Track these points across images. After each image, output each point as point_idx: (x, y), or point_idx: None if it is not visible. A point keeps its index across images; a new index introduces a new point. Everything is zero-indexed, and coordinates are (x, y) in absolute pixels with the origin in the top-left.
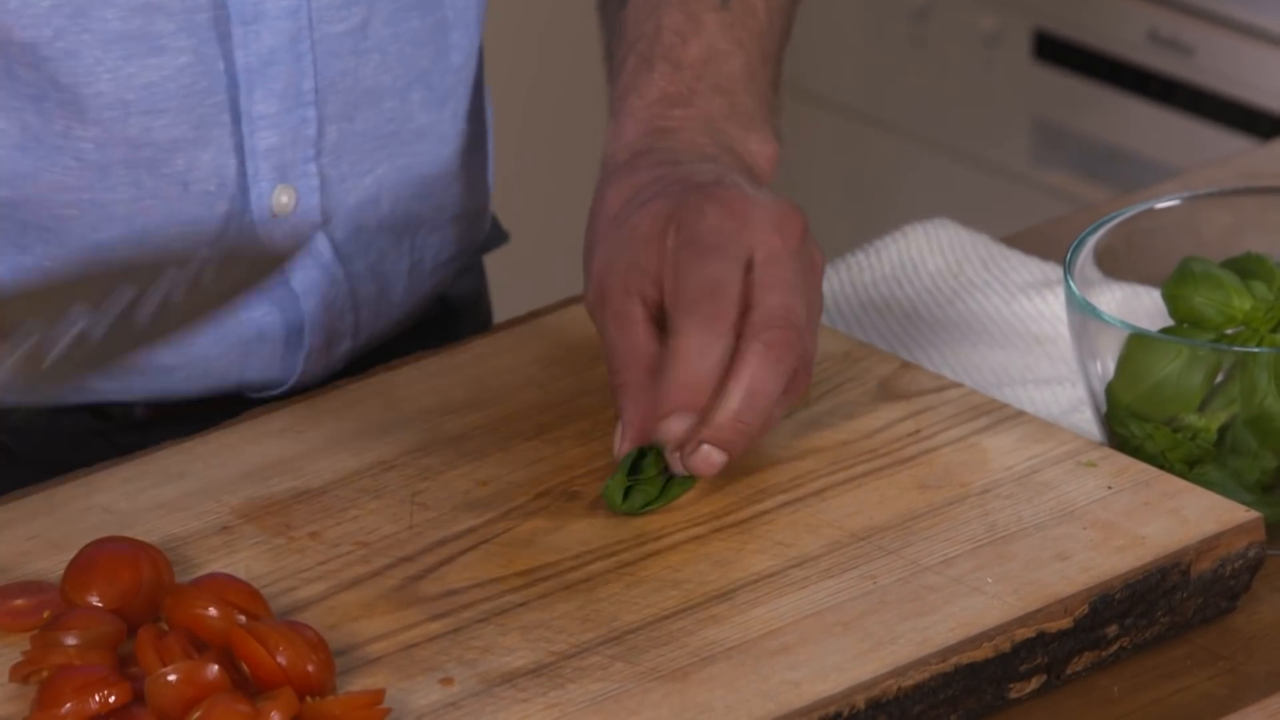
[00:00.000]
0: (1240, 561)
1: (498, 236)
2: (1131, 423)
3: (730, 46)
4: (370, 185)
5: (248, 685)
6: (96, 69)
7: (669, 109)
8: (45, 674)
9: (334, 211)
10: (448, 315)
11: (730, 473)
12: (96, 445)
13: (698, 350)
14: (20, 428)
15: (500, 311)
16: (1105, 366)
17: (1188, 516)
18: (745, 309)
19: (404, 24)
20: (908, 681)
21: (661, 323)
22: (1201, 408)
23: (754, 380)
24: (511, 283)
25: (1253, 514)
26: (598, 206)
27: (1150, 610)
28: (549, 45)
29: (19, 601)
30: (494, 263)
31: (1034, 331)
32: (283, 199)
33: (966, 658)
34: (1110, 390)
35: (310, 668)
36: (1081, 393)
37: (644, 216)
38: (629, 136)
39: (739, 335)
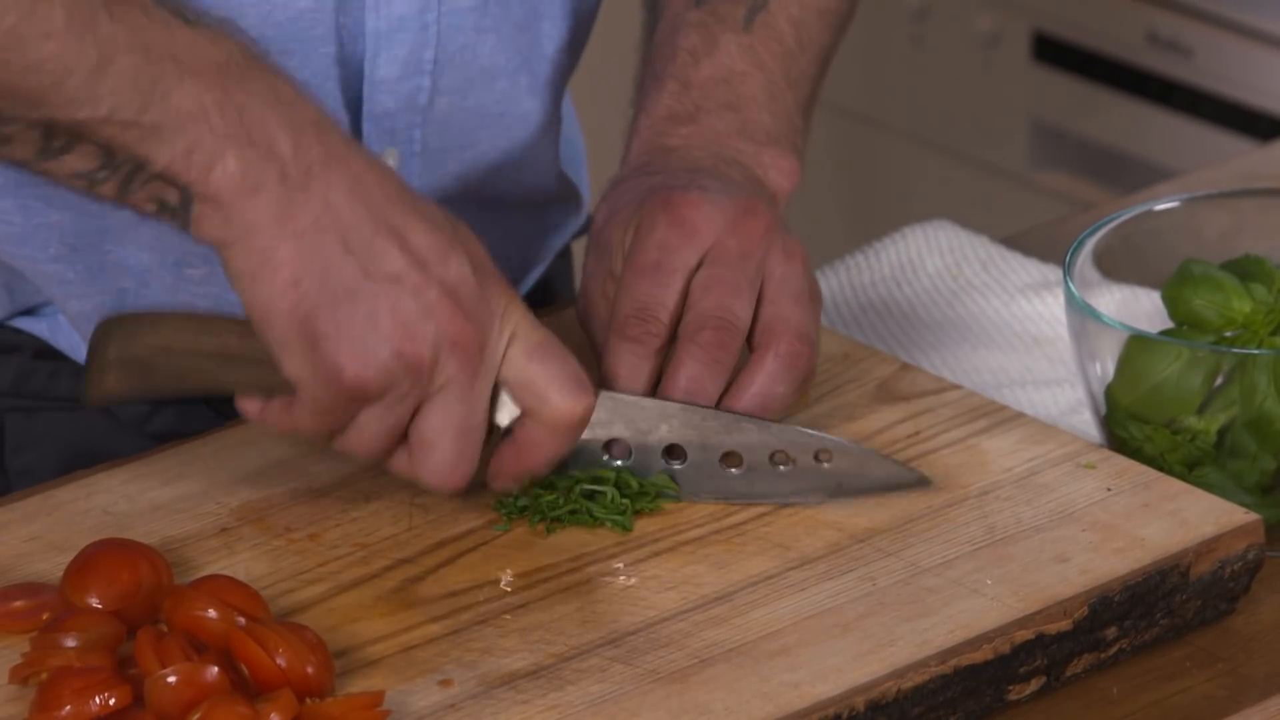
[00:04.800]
0: (1239, 563)
1: (586, 222)
2: (1131, 424)
3: (748, 67)
4: (470, 159)
5: (247, 687)
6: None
7: (674, 127)
8: (45, 675)
9: (429, 178)
10: (543, 295)
11: None
12: (201, 413)
13: (626, 371)
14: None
15: None
16: (1105, 368)
17: (1187, 518)
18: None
19: (509, 6)
20: (907, 683)
21: None
22: (1201, 410)
23: (689, 382)
24: None
25: (1252, 516)
26: (592, 221)
27: (1149, 612)
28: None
29: (18, 603)
30: (580, 249)
31: (1033, 333)
32: (389, 162)
33: (966, 659)
34: (1110, 392)
35: (310, 669)
36: (1081, 394)
37: (614, 227)
38: (633, 154)
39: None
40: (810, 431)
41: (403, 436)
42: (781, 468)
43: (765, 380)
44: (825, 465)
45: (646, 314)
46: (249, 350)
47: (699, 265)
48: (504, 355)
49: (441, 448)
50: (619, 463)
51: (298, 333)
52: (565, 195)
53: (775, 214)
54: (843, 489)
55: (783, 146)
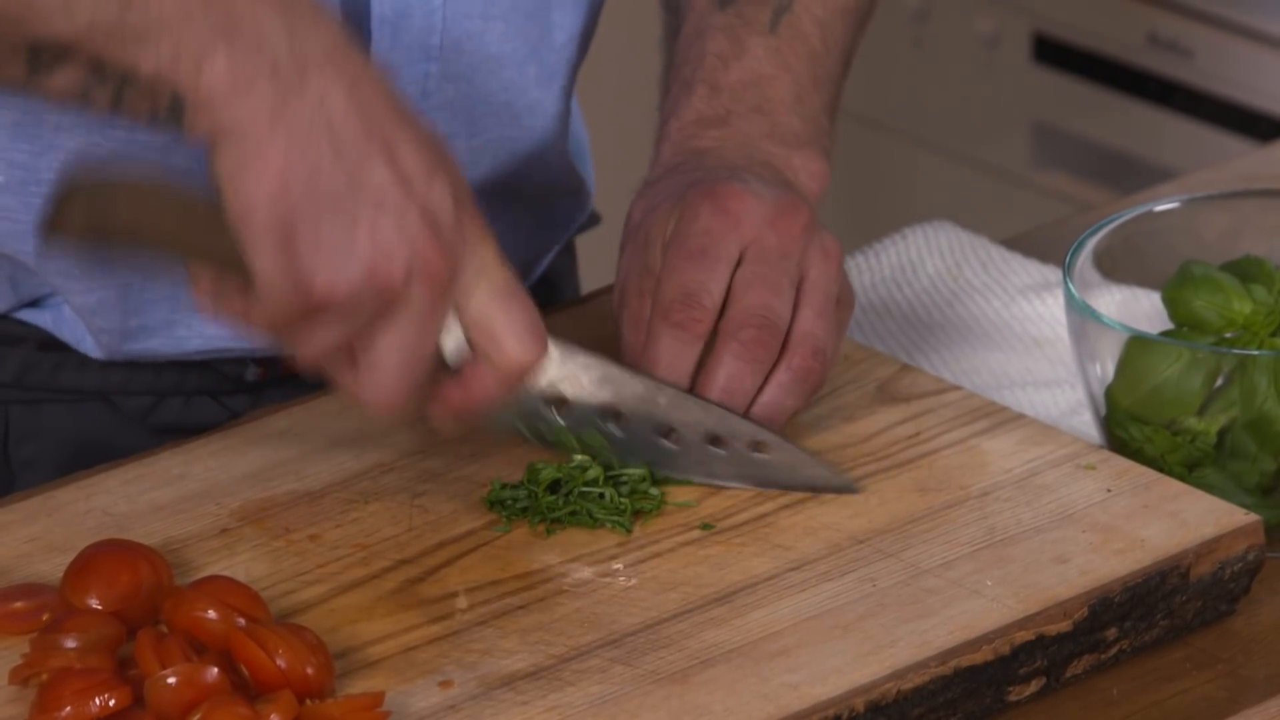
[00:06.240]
0: (1239, 564)
1: (591, 219)
2: (1131, 425)
3: (776, 70)
4: (476, 148)
5: (247, 688)
6: None
7: (704, 130)
8: (45, 676)
9: None
10: (546, 290)
11: None
12: (205, 407)
13: (669, 357)
14: (129, 387)
15: (587, 292)
16: (1105, 369)
17: (1187, 519)
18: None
19: None
20: (907, 684)
21: None
22: (1201, 411)
23: (729, 379)
24: (600, 264)
25: (1252, 517)
26: (626, 220)
27: (1149, 613)
28: (646, 34)
29: (18, 604)
30: (584, 245)
31: (1033, 334)
32: None
33: (966, 660)
34: (1110, 393)
35: (309, 670)
36: (1081, 395)
37: (653, 220)
38: (665, 156)
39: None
40: (752, 422)
41: (349, 351)
42: (715, 450)
43: (776, 391)
44: (758, 456)
45: (692, 300)
46: (218, 236)
47: (740, 258)
48: (467, 291)
49: (387, 369)
50: (558, 419)
51: (275, 235)
52: (573, 188)
53: (813, 213)
54: (769, 481)
55: (812, 149)
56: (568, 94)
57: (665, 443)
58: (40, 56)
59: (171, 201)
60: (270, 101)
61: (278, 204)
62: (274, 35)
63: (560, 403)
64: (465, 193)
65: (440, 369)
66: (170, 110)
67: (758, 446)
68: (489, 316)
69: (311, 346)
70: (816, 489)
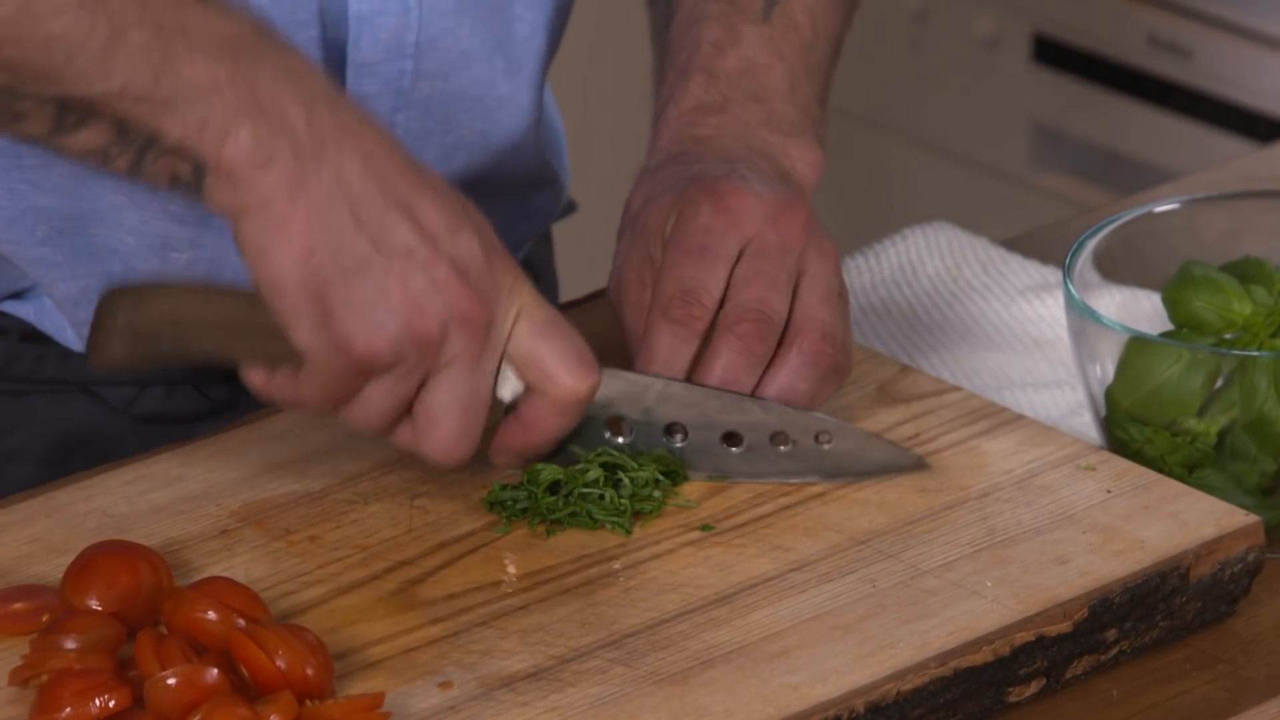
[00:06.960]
0: (1239, 565)
1: (566, 206)
2: (1131, 426)
3: (770, 59)
4: (451, 143)
5: (247, 689)
6: None
7: (704, 117)
8: (44, 677)
9: None
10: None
11: None
12: (187, 396)
13: (667, 352)
14: (112, 378)
15: (564, 280)
16: (1105, 370)
17: (1187, 520)
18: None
19: None
20: (907, 685)
21: None
22: (1201, 412)
23: (725, 371)
24: (577, 251)
25: (1252, 518)
26: (625, 208)
27: (1149, 614)
28: (619, 22)
29: (18, 605)
30: (561, 232)
31: (1033, 335)
32: None
33: (966, 661)
34: (1110, 394)
35: (309, 671)
36: (1081, 396)
37: (652, 211)
38: (663, 143)
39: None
40: (811, 413)
41: (407, 410)
42: (781, 448)
43: (787, 376)
44: (825, 447)
45: (691, 297)
46: (256, 320)
47: (739, 255)
48: (510, 332)
49: (446, 422)
50: (620, 440)
51: (309, 305)
52: (547, 179)
53: (812, 211)
54: (841, 470)
55: (807, 138)
56: (538, 86)
57: (731, 449)
58: (67, 113)
59: (210, 296)
60: (289, 176)
61: (306, 275)
62: (293, 114)
63: (620, 425)
64: (493, 239)
65: (499, 412)
66: (192, 178)
67: (822, 437)
68: (536, 353)
69: (368, 412)
70: (887, 470)
